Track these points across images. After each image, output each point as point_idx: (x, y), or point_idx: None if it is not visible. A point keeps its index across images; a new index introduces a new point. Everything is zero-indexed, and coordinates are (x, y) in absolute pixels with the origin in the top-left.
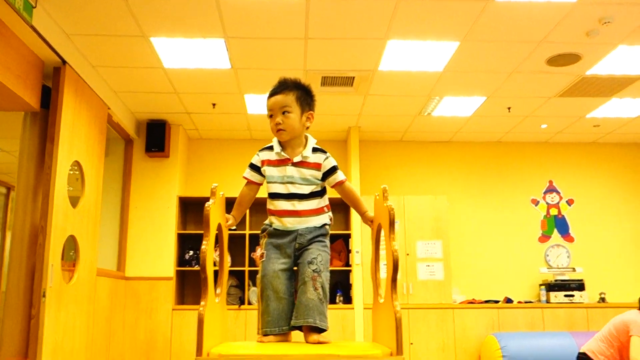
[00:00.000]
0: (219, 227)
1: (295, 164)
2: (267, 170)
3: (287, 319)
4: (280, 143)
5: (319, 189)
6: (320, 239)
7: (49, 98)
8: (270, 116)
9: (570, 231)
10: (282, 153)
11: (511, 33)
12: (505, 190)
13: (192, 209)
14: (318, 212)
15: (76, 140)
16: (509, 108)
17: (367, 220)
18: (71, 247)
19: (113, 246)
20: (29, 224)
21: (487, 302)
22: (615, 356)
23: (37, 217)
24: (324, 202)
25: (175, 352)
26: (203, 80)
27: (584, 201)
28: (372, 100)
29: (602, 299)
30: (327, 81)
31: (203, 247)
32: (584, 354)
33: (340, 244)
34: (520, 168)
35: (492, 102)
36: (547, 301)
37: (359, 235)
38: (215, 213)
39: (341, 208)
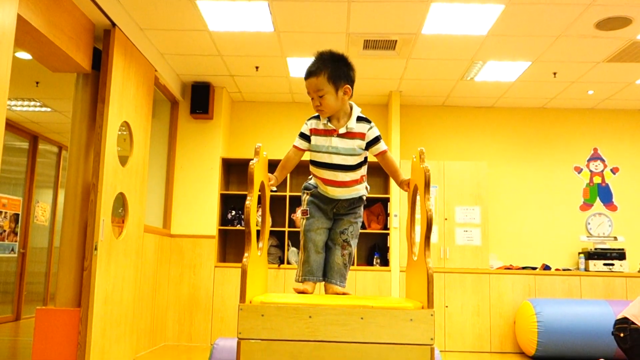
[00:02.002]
0: (262, 187)
1: (340, 135)
2: (314, 139)
3: (322, 269)
4: None
5: (361, 159)
6: (355, 210)
7: (99, 60)
8: (312, 98)
9: (613, 200)
10: (329, 124)
11: None
12: (548, 157)
13: (234, 170)
14: (358, 182)
15: (125, 101)
16: (554, 73)
17: (403, 185)
18: (120, 204)
19: (159, 204)
20: (81, 181)
21: (524, 268)
22: None
23: (89, 175)
24: (363, 171)
25: (217, 307)
26: (246, 43)
27: (629, 170)
28: (414, 64)
29: None
30: (369, 45)
31: (247, 202)
32: (625, 318)
33: (379, 207)
34: (564, 135)
35: (537, 67)
36: (586, 269)
37: (398, 199)
38: (259, 171)
39: (381, 172)
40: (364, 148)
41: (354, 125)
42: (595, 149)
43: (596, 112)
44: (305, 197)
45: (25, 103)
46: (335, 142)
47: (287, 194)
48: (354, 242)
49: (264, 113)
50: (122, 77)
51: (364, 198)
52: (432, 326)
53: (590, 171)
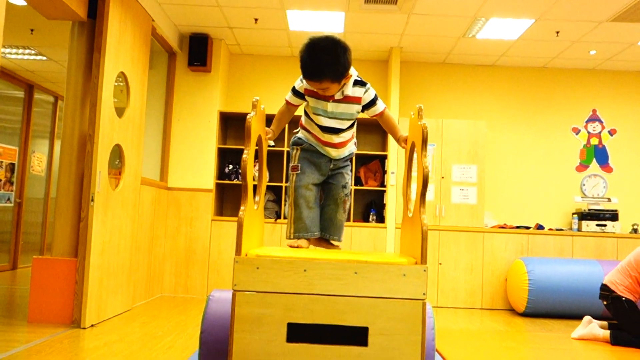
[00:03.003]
0: (259, 141)
1: (336, 101)
2: (311, 101)
3: (317, 225)
4: None
5: (354, 120)
6: (348, 163)
7: (95, 8)
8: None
9: (609, 161)
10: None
11: None
12: (547, 117)
13: (232, 124)
14: (350, 140)
15: (122, 51)
16: (557, 32)
17: (401, 141)
18: (117, 155)
19: (156, 157)
20: (78, 132)
21: (518, 227)
22: (634, 285)
23: (85, 126)
24: (353, 129)
25: (213, 260)
26: None
27: (627, 132)
28: (416, 20)
29: (635, 230)
30: None
31: (244, 156)
32: (606, 285)
33: (376, 164)
34: (564, 95)
35: (540, 25)
36: (579, 229)
37: (395, 156)
38: (256, 125)
39: (378, 130)
40: (359, 111)
41: (350, 91)
42: (594, 110)
43: (597, 72)
44: (296, 153)
45: (20, 51)
46: (331, 107)
47: (285, 149)
48: (349, 197)
49: (263, 66)
50: (118, 27)
51: (355, 148)
52: (425, 281)
53: (588, 132)
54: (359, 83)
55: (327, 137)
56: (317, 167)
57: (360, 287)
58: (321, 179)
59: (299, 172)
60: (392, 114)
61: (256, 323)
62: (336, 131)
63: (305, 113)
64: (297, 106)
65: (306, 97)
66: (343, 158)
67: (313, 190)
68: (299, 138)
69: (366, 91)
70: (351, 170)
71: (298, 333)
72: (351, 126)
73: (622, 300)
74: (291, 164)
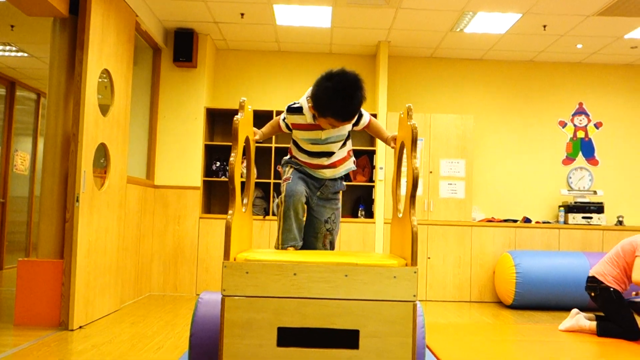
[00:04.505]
0: (247, 140)
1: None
2: (298, 133)
3: (301, 235)
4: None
5: (345, 137)
6: (338, 197)
7: (77, 4)
8: (330, 124)
9: (595, 154)
10: (315, 122)
11: None
12: (534, 111)
13: (219, 120)
14: (346, 159)
15: (105, 47)
16: (544, 26)
17: (390, 141)
18: (102, 154)
19: (142, 155)
20: (61, 130)
21: (505, 221)
22: (622, 275)
23: (69, 124)
24: (349, 146)
25: (202, 258)
26: None
27: (613, 125)
28: (404, 14)
29: (620, 222)
30: None
31: (231, 159)
32: (593, 277)
33: (365, 159)
34: (551, 89)
35: (527, 19)
36: (565, 222)
37: (384, 152)
38: (243, 127)
39: None
40: (350, 129)
41: None
42: (581, 104)
43: (583, 66)
44: (288, 169)
45: (1, 47)
46: (325, 134)
47: (273, 145)
48: (336, 230)
49: (250, 62)
50: (101, 23)
51: (344, 184)
52: (415, 283)
53: (575, 126)
54: None
55: (318, 161)
56: (307, 184)
57: (350, 290)
58: (309, 193)
59: (290, 182)
60: (380, 108)
61: (246, 328)
62: (327, 155)
63: (294, 142)
64: (285, 132)
65: (295, 130)
66: (334, 183)
67: (302, 201)
68: (290, 159)
69: None
70: (339, 204)
71: (289, 337)
72: (344, 144)
73: (610, 290)
74: (284, 177)
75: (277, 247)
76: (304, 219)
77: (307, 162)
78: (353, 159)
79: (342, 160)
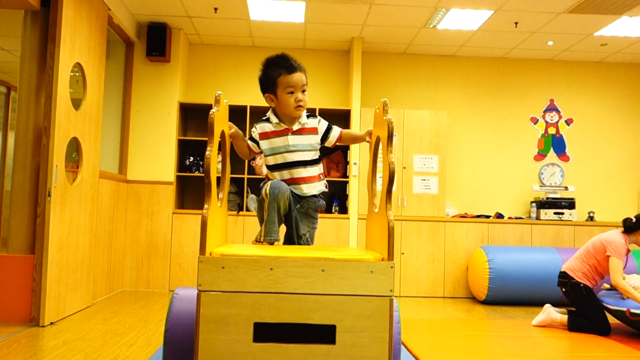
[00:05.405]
0: (222, 135)
1: (295, 132)
2: (265, 143)
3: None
4: (276, 114)
5: (317, 155)
6: (316, 215)
7: None
8: (290, 92)
9: (566, 150)
10: (281, 124)
11: None
12: (506, 107)
13: (192, 115)
14: (318, 178)
15: (77, 41)
16: (516, 23)
17: (365, 137)
18: (74, 149)
19: (115, 150)
20: (32, 124)
21: (478, 216)
22: (592, 272)
23: (40, 118)
24: (320, 169)
25: (175, 253)
26: None
27: (583, 121)
28: (377, 10)
29: (591, 218)
30: None
31: (207, 153)
32: (564, 272)
33: (339, 155)
34: (523, 85)
35: (499, 16)
36: (537, 218)
37: (358, 147)
38: (219, 121)
39: (341, 119)
40: (319, 142)
41: (306, 121)
42: (552, 100)
43: (554, 63)
44: (268, 182)
45: None
46: (292, 139)
47: (248, 142)
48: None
49: (223, 57)
50: (73, 16)
51: (323, 202)
52: (392, 278)
53: (546, 122)
54: (311, 115)
55: (294, 172)
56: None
57: (327, 285)
58: (292, 204)
59: (273, 180)
60: (354, 104)
61: (222, 323)
62: (303, 164)
63: (269, 166)
64: (254, 152)
65: (261, 141)
66: (313, 197)
67: (287, 195)
68: (266, 180)
69: (319, 121)
70: (316, 223)
71: (265, 332)
72: (317, 162)
73: (580, 286)
74: (263, 184)
75: (258, 240)
76: (284, 216)
77: (283, 179)
78: (325, 182)
79: (317, 177)
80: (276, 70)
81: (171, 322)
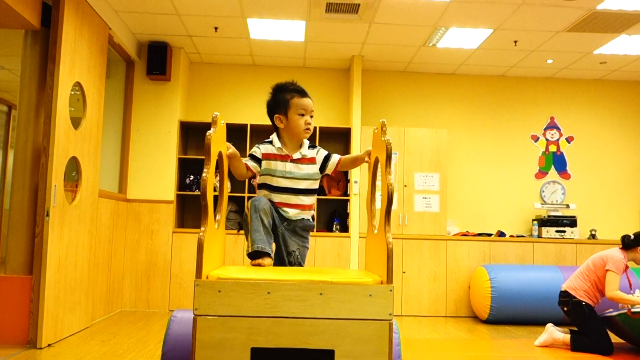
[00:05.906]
0: (220, 155)
1: (294, 161)
2: (266, 163)
3: (271, 241)
4: (279, 139)
5: (315, 185)
6: (306, 234)
7: (49, 16)
8: (301, 115)
9: (567, 168)
10: (283, 149)
11: None
12: (506, 125)
13: (193, 134)
14: (309, 207)
15: (77, 60)
16: (515, 41)
17: (364, 157)
18: (73, 168)
19: (114, 168)
20: (31, 144)
21: (480, 234)
22: (593, 289)
23: (40, 138)
24: (312, 200)
25: (175, 273)
26: (205, 2)
27: (584, 139)
28: (377, 29)
29: (593, 236)
30: (331, 7)
31: (204, 175)
32: (565, 291)
33: (340, 173)
34: (523, 103)
35: (498, 34)
36: (539, 236)
37: (359, 166)
38: (216, 142)
39: (342, 138)
40: (317, 171)
41: (307, 152)
42: (552, 118)
43: (554, 81)
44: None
45: None
46: (290, 167)
47: (247, 162)
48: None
49: (223, 75)
50: (73, 35)
51: (314, 225)
52: (391, 301)
53: (547, 140)
54: (311, 146)
55: (285, 198)
56: (273, 211)
57: (325, 309)
58: (278, 224)
59: (253, 197)
60: (354, 122)
61: (218, 348)
62: (294, 191)
63: (261, 185)
64: (252, 172)
65: (264, 161)
66: (299, 221)
67: (269, 206)
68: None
69: (318, 151)
70: (307, 242)
71: (262, 357)
72: (312, 192)
73: (582, 304)
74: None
75: (247, 253)
76: (270, 228)
77: (273, 201)
78: (313, 214)
79: (308, 207)
80: (289, 93)
81: (168, 346)
